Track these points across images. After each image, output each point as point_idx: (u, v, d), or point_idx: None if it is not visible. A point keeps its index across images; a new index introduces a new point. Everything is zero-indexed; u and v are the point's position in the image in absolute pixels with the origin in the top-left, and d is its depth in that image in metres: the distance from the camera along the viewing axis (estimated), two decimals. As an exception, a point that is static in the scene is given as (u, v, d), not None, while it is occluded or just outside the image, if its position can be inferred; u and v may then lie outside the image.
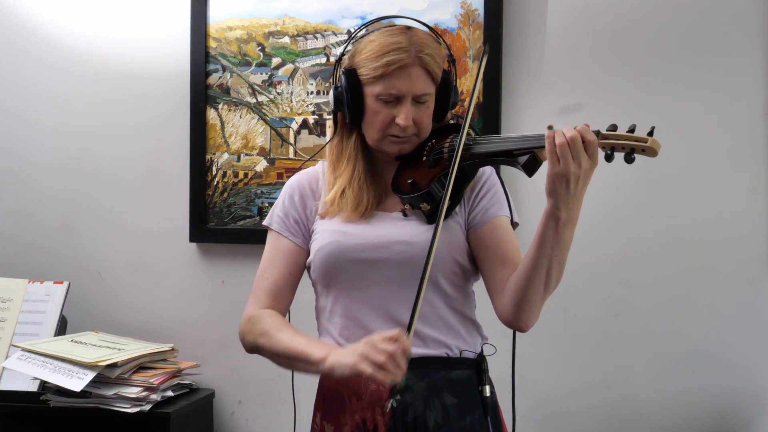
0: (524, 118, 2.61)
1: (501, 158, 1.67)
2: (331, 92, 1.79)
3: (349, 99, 1.74)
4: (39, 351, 2.39)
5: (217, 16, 2.75)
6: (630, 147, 1.52)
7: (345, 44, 1.81)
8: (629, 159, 1.53)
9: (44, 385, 2.45)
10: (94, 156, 2.84)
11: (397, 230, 1.74)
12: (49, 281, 2.66)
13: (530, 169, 1.61)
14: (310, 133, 2.72)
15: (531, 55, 2.61)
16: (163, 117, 2.80)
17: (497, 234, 1.75)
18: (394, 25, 1.78)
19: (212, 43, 2.75)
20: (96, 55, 2.83)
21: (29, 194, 2.88)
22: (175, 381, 2.53)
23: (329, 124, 2.71)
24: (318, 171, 1.88)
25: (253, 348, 1.78)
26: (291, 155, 2.73)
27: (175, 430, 2.41)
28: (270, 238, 1.85)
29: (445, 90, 1.77)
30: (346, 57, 1.79)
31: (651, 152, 1.52)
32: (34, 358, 2.38)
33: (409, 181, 1.73)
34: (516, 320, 1.69)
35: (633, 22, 2.58)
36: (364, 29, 1.80)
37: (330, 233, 1.76)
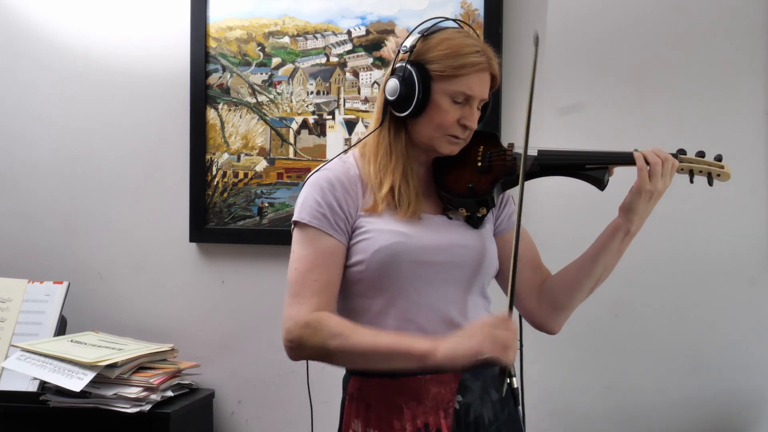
0: (524, 118, 2.60)
1: (569, 171, 1.77)
2: (393, 82, 1.72)
3: (420, 92, 1.70)
4: (39, 351, 2.38)
5: (217, 16, 2.75)
6: (707, 171, 1.73)
7: (412, 38, 1.74)
8: (711, 182, 1.74)
9: (44, 386, 2.45)
10: (94, 156, 2.84)
11: (454, 233, 1.75)
12: (49, 281, 2.66)
13: (600, 182, 1.75)
14: (310, 133, 2.72)
15: (531, 55, 2.60)
16: (163, 117, 2.80)
17: (524, 239, 1.83)
18: (460, 28, 1.77)
19: (212, 43, 2.75)
20: (96, 55, 2.83)
21: (29, 195, 2.87)
22: (175, 381, 2.52)
23: (329, 124, 2.70)
24: (349, 165, 1.77)
25: (317, 352, 1.66)
26: (291, 155, 2.73)
27: (175, 430, 2.41)
28: (306, 235, 1.71)
29: (491, 99, 1.81)
30: (408, 51, 1.73)
31: (725, 177, 1.72)
32: (34, 358, 2.38)
33: (469, 186, 1.75)
34: (552, 323, 1.82)
35: (633, 22, 2.58)
36: (431, 25, 1.76)
37: (390, 233, 1.69)
